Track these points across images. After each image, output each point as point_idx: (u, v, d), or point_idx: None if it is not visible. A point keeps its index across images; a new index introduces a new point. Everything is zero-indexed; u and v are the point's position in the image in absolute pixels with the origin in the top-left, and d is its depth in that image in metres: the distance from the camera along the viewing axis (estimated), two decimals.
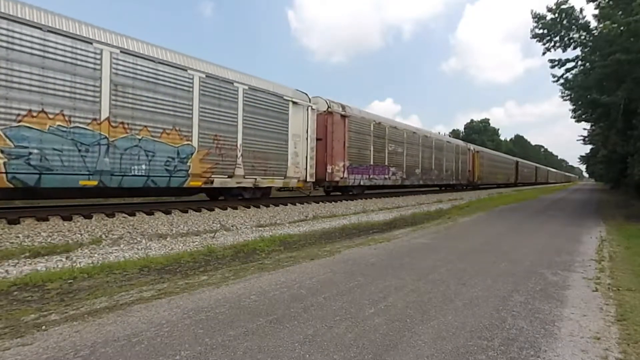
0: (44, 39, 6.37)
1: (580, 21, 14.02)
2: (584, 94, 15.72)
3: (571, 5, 13.99)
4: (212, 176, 9.25)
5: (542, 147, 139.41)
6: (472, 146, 30.46)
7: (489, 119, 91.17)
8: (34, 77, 6.26)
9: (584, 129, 31.14)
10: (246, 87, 10.08)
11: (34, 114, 6.27)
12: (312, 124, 12.40)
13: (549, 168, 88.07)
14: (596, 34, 13.33)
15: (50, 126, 6.44)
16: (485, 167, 32.14)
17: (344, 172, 14.02)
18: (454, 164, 25.35)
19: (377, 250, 5.82)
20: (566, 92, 17.27)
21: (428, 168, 21.19)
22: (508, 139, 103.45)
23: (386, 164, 16.82)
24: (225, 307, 3.20)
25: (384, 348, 2.49)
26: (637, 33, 11.37)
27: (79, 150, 6.80)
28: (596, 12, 13.60)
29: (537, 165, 67.00)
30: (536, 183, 59.66)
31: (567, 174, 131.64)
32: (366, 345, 2.52)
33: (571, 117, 20.37)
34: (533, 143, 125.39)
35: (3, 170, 5.95)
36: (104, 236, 6.21)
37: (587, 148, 41.82)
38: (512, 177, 42.08)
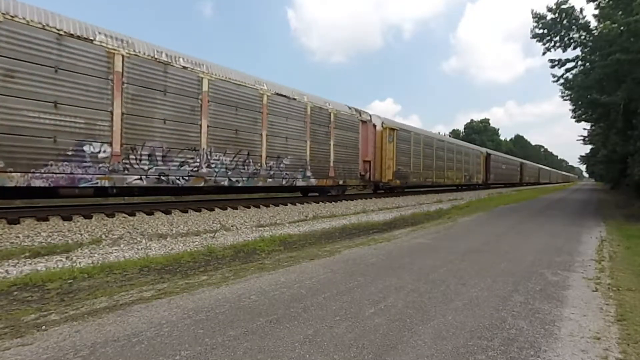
0: None
1: (580, 21, 14.01)
2: (584, 94, 15.71)
3: (571, 5, 14.00)
4: None
5: (542, 147, 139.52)
6: (375, 118, 16.25)
7: (489, 119, 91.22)
8: None
9: (584, 129, 31.18)
10: None
11: None
12: None
13: (540, 166, 70.81)
14: (596, 34, 13.31)
15: None
16: (415, 157, 19.01)
17: None
18: (308, 144, 12.31)
19: (377, 250, 5.82)
20: (566, 92, 17.27)
21: (178, 145, 8.52)
22: (508, 139, 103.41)
23: None
24: (225, 307, 3.20)
25: (384, 348, 2.49)
26: (637, 33, 11.37)
27: None
28: (596, 12, 13.61)
29: (523, 161, 52.56)
30: (522, 183, 47.32)
31: (564, 173, 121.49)
32: (366, 345, 2.52)
33: (571, 117, 20.40)
34: (533, 143, 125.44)
35: None
36: (104, 236, 6.21)
37: (587, 148, 41.81)
38: (477, 175, 29.94)
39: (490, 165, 33.33)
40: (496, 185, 37.35)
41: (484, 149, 34.24)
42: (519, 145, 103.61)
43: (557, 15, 14.15)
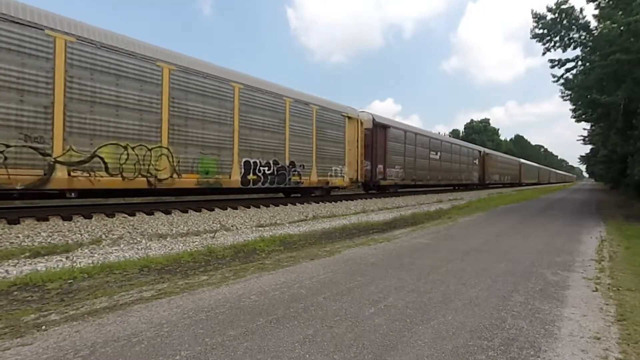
0: None
1: (580, 21, 14.02)
2: (584, 94, 15.73)
3: (571, 5, 14.01)
4: None
5: (542, 147, 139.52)
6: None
7: (489, 119, 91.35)
8: None
9: (584, 129, 31.23)
10: None
11: None
12: None
13: (522, 160, 50.10)
14: (596, 34, 13.33)
15: None
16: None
17: None
18: None
19: (377, 250, 5.82)
20: (566, 92, 17.28)
21: None
22: (508, 139, 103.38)
23: None
24: (225, 307, 3.20)
25: (384, 348, 2.49)
26: (637, 33, 11.37)
27: None
28: (596, 12, 13.62)
29: (488, 151, 35.03)
30: (485, 185, 31.63)
31: (561, 172, 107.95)
32: (366, 345, 2.51)
33: (571, 117, 20.42)
34: (533, 143, 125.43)
35: None
36: (104, 236, 6.21)
37: (587, 148, 41.80)
38: (338, 166, 13.83)
39: (385, 147, 16.60)
40: (413, 190, 20.72)
41: (368, 116, 16.10)
42: (519, 145, 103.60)
43: (557, 15, 14.16)
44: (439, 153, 22.93)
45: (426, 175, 21.17)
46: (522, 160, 50.01)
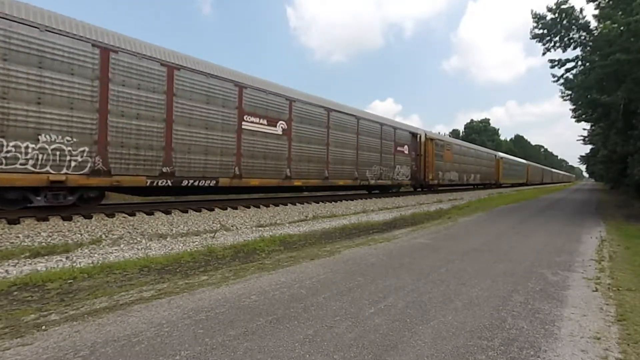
0: None
1: (580, 21, 14.03)
2: (584, 94, 15.72)
3: (571, 5, 14.01)
4: None
5: (542, 147, 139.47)
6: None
7: (489, 119, 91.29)
8: None
9: (584, 129, 31.25)
10: None
11: None
12: None
13: (502, 155, 38.00)
14: (596, 34, 13.33)
15: None
16: None
17: None
18: None
19: (377, 250, 5.82)
20: (566, 92, 17.27)
21: None
22: (508, 139, 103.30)
23: None
24: (225, 307, 3.20)
25: (384, 348, 2.49)
26: (637, 33, 11.37)
27: None
28: (596, 12, 13.62)
29: (435, 136, 22.30)
30: (429, 186, 20.83)
31: (556, 171, 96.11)
32: (366, 345, 2.52)
33: (571, 117, 20.41)
34: (533, 143, 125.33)
35: None
36: (104, 236, 6.21)
37: (587, 148, 41.81)
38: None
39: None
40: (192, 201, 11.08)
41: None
42: (519, 145, 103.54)
43: (557, 15, 14.16)
44: (302, 126, 12.01)
45: (252, 167, 10.39)
46: (502, 155, 37.68)
